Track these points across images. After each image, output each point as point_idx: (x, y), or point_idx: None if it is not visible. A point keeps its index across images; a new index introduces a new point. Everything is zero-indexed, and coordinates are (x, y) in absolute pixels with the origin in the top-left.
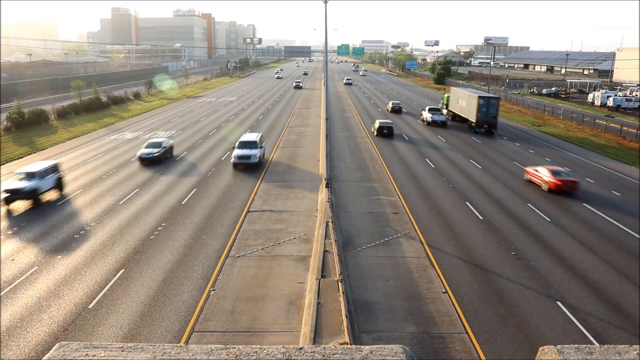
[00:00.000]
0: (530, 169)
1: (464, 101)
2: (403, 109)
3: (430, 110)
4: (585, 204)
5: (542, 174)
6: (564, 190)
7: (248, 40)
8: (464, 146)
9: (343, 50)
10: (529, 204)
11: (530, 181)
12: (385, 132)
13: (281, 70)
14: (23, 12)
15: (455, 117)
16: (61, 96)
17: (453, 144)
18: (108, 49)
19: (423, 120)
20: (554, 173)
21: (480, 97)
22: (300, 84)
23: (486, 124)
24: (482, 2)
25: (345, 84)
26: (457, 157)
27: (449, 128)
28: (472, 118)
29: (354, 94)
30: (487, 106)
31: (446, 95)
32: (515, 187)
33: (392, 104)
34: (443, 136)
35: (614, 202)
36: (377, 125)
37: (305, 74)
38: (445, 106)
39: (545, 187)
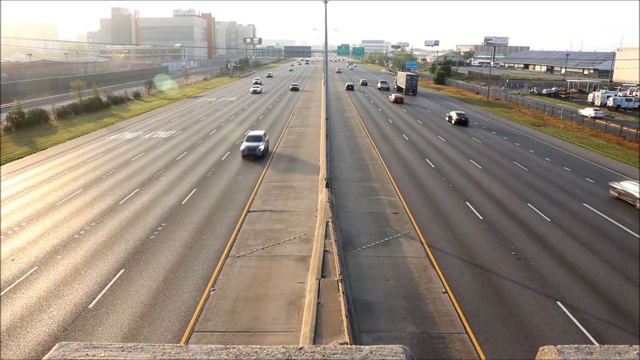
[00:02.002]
0: (389, 95)
1: (401, 78)
2: (368, 84)
3: (380, 82)
4: (585, 204)
5: (390, 97)
6: (398, 102)
7: (248, 40)
8: (387, 93)
9: (343, 50)
10: (528, 204)
11: (392, 101)
12: (350, 88)
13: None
14: (23, 12)
15: (400, 88)
16: (61, 96)
17: (384, 94)
18: (108, 49)
19: (377, 88)
20: (395, 96)
21: (407, 75)
22: (259, 146)
23: (410, 90)
24: (482, 2)
25: (337, 72)
26: (383, 97)
27: (390, 91)
28: (404, 86)
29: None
30: (411, 79)
31: (396, 77)
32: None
33: (362, 80)
34: (381, 92)
35: (614, 202)
36: (345, 85)
37: (295, 88)
38: (395, 82)
39: (391, 100)
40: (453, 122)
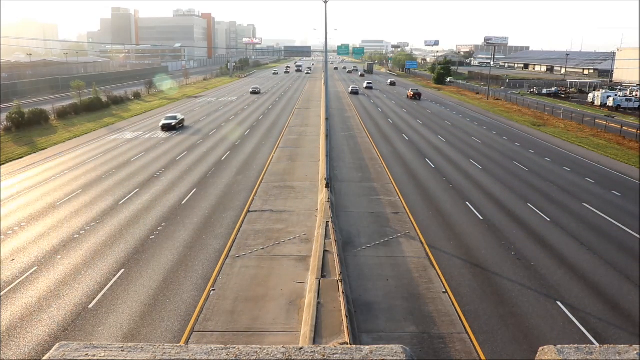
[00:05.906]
0: (348, 71)
1: (365, 65)
2: (346, 68)
3: (352, 67)
4: (585, 204)
5: (346, 70)
6: (350, 72)
7: (247, 40)
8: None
9: (343, 50)
10: (528, 204)
11: (347, 72)
12: (336, 69)
13: (168, 122)
14: (23, 12)
15: (365, 70)
16: (61, 96)
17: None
18: (108, 49)
19: (348, 71)
20: (348, 70)
21: (367, 63)
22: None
23: (369, 71)
24: (482, 2)
25: (330, 63)
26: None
27: (357, 71)
28: (366, 68)
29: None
30: (369, 65)
31: (363, 65)
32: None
33: (343, 66)
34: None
35: (614, 202)
36: (333, 67)
37: None
38: (363, 67)
39: (346, 71)
40: None
